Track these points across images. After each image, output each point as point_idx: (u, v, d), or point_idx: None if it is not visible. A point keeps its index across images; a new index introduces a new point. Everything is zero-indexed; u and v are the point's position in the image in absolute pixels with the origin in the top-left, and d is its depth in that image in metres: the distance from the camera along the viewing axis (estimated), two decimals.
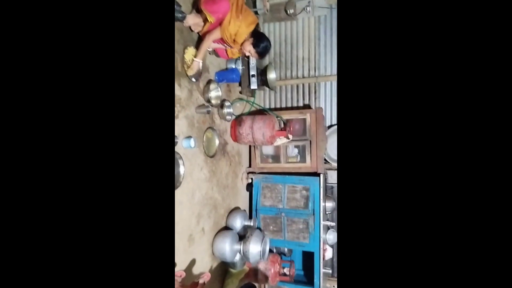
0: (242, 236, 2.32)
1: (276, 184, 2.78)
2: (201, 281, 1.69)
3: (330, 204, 2.86)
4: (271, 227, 2.76)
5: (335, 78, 3.03)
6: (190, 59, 1.99)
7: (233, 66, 2.53)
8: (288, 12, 3.01)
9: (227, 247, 2.19)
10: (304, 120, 2.75)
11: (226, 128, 2.63)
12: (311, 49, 3.13)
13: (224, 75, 2.44)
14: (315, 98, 3.13)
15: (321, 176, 2.62)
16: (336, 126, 3.00)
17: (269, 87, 2.92)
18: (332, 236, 2.79)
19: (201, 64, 2.06)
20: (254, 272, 2.60)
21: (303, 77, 3.17)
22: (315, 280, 2.61)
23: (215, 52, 2.38)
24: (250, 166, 2.97)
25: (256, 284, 2.69)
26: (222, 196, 2.49)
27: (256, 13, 2.87)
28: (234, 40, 2.03)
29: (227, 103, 2.47)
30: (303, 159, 2.78)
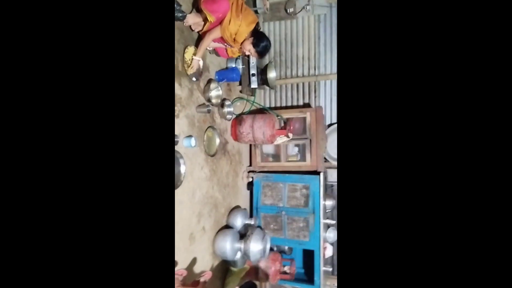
0: (243, 235, 2.33)
1: (277, 182, 2.79)
2: (202, 279, 1.70)
3: (330, 203, 2.87)
4: (272, 225, 2.77)
5: (335, 76, 3.03)
6: (190, 58, 2.00)
7: (233, 65, 2.53)
8: (288, 11, 3.01)
9: (228, 246, 2.20)
10: (304, 119, 2.76)
11: (227, 127, 2.63)
12: (311, 48, 3.14)
13: (224, 74, 2.45)
14: (315, 97, 3.13)
15: (321, 174, 2.62)
16: (335, 125, 3.00)
17: (269, 86, 2.93)
18: (332, 234, 2.80)
19: (201, 63, 2.06)
20: (255, 271, 2.61)
21: (303, 76, 3.17)
22: (315, 278, 2.62)
23: (215, 51, 2.38)
24: (250, 165, 2.98)
25: (257, 283, 2.71)
26: (223, 195, 2.50)
27: (256, 12, 2.87)
28: (234, 39, 2.03)
29: (227, 102, 2.47)
30: (303, 158, 2.78)
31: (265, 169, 2.88)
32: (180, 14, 1.88)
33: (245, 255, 2.25)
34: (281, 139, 2.61)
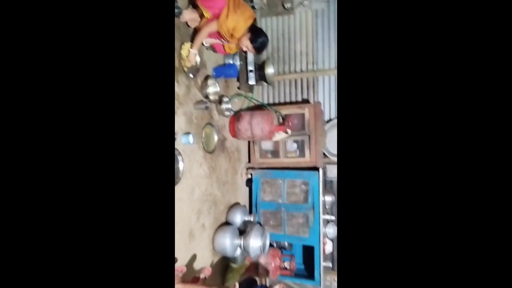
0: (243, 231, 2.33)
1: (276, 179, 2.79)
2: (202, 276, 1.70)
3: (330, 198, 2.87)
4: (271, 221, 2.77)
5: (334, 72, 3.02)
6: (186, 55, 1.98)
7: (231, 62, 2.52)
8: (285, 6, 2.99)
9: (228, 242, 2.21)
10: (303, 114, 2.75)
11: (225, 124, 2.62)
12: (309, 43, 3.12)
13: (221, 71, 2.43)
14: (314, 93, 3.12)
15: (320, 170, 2.62)
16: (334, 121, 3.00)
17: (267, 82, 2.91)
18: (332, 230, 2.80)
19: (198, 58, 2.05)
20: (255, 267, 2.62)
21: (301, 71, 3.16)
22: (315, 274, 2.63)
23: (212, 48, 2.36)
24: (249, 161, 2.97)
25: (257, 278, 2.72)
26: (222, 192, 2.50)
27: (253, 7, 2.85)
28: (231, 35, 2.01)
29: (225, 99, 2.46)
30: (302, 154, 2.78)
31: (264, 166, 2.87)
32: (176, 10, 1.87)
33: (245, 251, 2.26)
34: (279, 135, 2.60)
